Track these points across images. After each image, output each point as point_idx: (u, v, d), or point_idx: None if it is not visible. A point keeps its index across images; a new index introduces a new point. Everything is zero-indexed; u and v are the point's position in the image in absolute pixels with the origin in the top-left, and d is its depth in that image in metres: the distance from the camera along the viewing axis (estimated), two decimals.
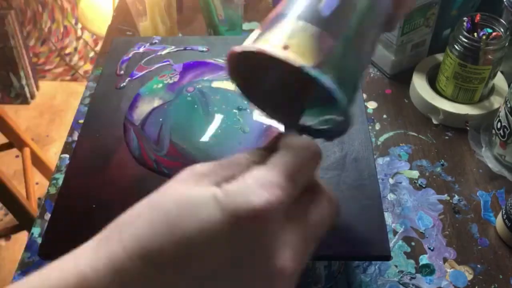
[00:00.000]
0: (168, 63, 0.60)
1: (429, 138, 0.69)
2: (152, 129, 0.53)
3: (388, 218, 0.60)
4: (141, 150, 0.51)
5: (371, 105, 0.73)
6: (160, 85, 0.58)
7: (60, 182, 0.64)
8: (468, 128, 0.67)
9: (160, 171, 0.49)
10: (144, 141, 0.52)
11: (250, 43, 0.31)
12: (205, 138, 0.52)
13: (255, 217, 0.25)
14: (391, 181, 0.63)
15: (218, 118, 0.54)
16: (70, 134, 0.70)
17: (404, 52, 0.74)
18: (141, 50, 0.62)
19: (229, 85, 0.57)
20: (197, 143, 0.52)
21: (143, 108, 0.56)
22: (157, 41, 0.63)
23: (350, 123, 0.32)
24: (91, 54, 1.89)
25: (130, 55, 0.61)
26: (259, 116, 0.54)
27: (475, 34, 0.66)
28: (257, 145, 0.50)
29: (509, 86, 0.69)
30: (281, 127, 0.52)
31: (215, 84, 0.58)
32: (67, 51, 1.88)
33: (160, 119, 0.54)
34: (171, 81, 0.59)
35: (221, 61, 0.61)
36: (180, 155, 0.51)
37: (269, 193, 0.25)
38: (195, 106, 0.56)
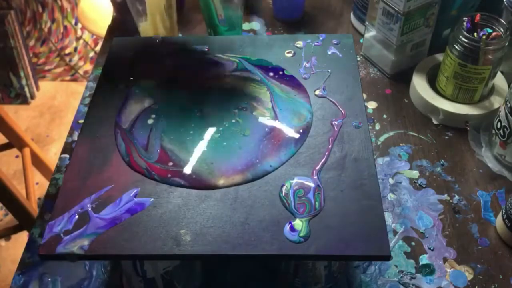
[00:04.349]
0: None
1: (429, 138, 0.69)
2: (141, 133, 0.51)
3: (388, 218, 0.59)
4: (129, 157, 0.49)
5: (371, 105, 0.73)
6: (152, 82, 0.57)
7: (60, 182, 0.64)
8: (468, 128, 0.67)
9: (153, 178, 0.47)
10: (132, 147, 0.50)
11: None
12: (201, 142, 0.50)
13: None
14: (391, 181, 0.63)
15: (215, 120, 0.52)
16: (70, 134, 0.70)
17: (404, 52, 0.74)
18: (141, 50, 0.62)
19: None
20: (191, 148, 0.50)
21: (132, 109, 0.54)
22: (157, 41, 0.63)
23: None
24: (91, 54, 1.89)
25: (130, 55, 0.61)
26: (260, 117, 0.53)
27: (475, 34, 0.66)
28: (259, 149, 0.50)
29: (509, 86, 0.69)
30: (284, 128, 0.51)
31: (213, 82, 0.57)
32: (67, 51, 1.88)
33: (150, 122, 0.52)
34: (164, 79, 0.57)
35: (220, 56, 0.60)
36: (173, 162, 0.49)
37: None
38: (189, 106, 0.54)
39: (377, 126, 0.70)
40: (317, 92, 0.56)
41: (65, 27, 1.84)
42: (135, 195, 0.46)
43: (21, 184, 1.27)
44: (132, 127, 0.52)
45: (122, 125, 0.52)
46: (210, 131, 0.51)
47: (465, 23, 0.65)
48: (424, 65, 0.74)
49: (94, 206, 0.45)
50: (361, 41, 0.82)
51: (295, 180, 0.47)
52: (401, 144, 0.68)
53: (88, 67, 1.91)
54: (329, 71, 0.58)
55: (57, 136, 1.75)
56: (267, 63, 0.59)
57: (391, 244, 0.57)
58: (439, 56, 0.74)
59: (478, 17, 0.66)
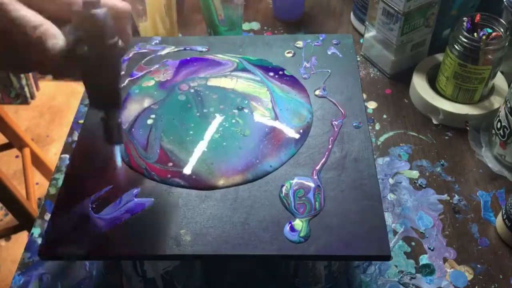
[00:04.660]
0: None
1: (429, 138, 0.69)
2: (141, 133, 0.51)
3: (388, 218, 0.59)
4: (129, 157, 0.49)
5: (371, 105, 0.73)
6: (152, 82, 0.57)
7: (60, 182, 0.64)
8: (468, 128, 0.67)
9: (152, 179, 0.47)
10: (131, 147, 0.50)
11: None
12: (201, 142, 0.50)
13: None
14: (391, 181, 0.63)
15: (215, 120, 0.52)
16: (70, 134, 0.70)
17: (404, 52, 0.74)
18: (141, 50, 0.62)
19: (227, 83, 0.56)
20: (191, 148, 0.50)
21: (132, 109, 0.53)
22: (157, 41, 0.63)
23: None
24: None
25: (130, 55, 0.61)
26: (260, 117, 0.53)
27: (475, 34, 0.66)
28: (259, 149, 0.50)
29: (509, 86, 0.69)
30: (284, 128, 0.52)
31: (212, 82, 0.57)
32: None
33: (149, 122, 0.52)
34: (163, 79, 0.57)
35: (220, 56, 0.60)
36: (173, 163, 0.48)
37: None
38: (189, 106, 0.54)
39: (377, 126, 0.70)
40: (317, 92, 0.56)
41: None
42: (135, 195, 0.46)
43: (21, 184, 1.27)
44: (132, 127, 0.52)
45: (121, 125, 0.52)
46: (210, 131, 0.51)
47: (465, 23, 0.65)
48: (424, 65, 0.74)
49: (94, 206, 0.45)
50: (361, 41, 0.82)
51: (295, 180, 0.47)
52: (401, 144, 0.68)
53: None
54: (329, 71, 0.58)
55: (57, 136, 1.75)
56: (267, 63, 0.59)
57: (391, 244, 0.57)
58: (439, 56, 0.74)
59: (478, 17, 0.66)
